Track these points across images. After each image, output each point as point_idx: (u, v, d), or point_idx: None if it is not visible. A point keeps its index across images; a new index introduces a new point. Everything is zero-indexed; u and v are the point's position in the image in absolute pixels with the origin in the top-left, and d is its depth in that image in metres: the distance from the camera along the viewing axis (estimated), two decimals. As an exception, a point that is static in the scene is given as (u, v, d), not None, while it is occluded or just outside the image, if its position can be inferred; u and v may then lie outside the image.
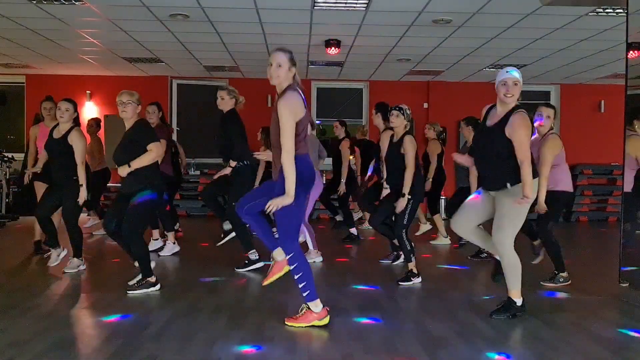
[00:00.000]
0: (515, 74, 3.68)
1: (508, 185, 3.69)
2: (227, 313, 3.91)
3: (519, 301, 3.83)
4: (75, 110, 5.19)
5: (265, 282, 3.73)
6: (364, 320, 3.80)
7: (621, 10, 5.91)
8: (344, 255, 6.38)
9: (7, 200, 9.43)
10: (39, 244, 6.08)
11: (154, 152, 4.41)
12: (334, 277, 5.25)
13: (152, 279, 4.47)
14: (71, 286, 4.81)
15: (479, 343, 3.35)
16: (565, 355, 3.16)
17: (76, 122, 5.25)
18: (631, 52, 4.90)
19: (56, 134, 5.12)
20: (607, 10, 6.13)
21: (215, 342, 3.28)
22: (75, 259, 5.22)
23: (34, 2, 6.09)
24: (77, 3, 6.13)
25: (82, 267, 5.26)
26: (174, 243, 6.25)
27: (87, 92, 10.74)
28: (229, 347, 3.21)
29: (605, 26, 6.77)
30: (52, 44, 8.12)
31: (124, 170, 4.37)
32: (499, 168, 3.74)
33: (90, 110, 10.78)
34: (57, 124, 5.19)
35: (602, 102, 11.24)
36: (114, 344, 3.22)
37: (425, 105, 11.18)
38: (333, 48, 7.79)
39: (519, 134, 3.62)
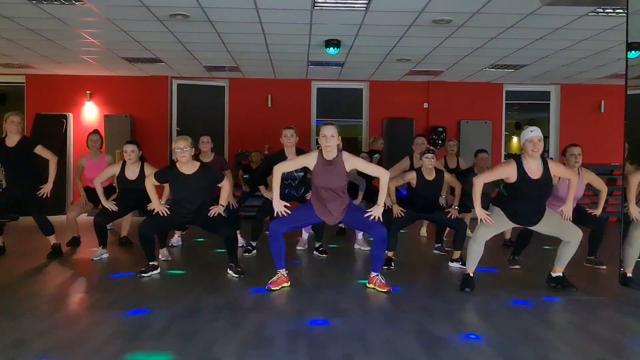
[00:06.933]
0: (539, 132, 4.41)
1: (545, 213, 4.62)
2: (227, 313, 3.91)
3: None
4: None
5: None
6: (364, 321, 3.80)
7: (621, 10, 5.91)
8: (342, 255, 6.38)
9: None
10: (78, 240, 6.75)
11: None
12: (334, 276, 5.26)
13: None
14: (71, 286, 4.82)
15: (479, 343, 3.36)
16: (565, 355, 3.16)
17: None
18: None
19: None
20: (607, 10, 6.13)
21: (215, 342, 3.28)
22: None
23: (34, 2, 6.09)
24: (77, 3, 6.13)
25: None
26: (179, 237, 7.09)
27: (87, 92, 10.73)
28: (229, 347, 3.22)
29: (605, 26, 6.77)
30: (52, 44, 8.12)
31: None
32: (543, 206, 4.61)
33: (90, 110, 10.80)
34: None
35: (602, 102, 11.24)
36: (114, 344, 3.23)
37: (425, 105, 11.19)
38: (333, 48, 7.79)
39: (564, 171, 4.67)
